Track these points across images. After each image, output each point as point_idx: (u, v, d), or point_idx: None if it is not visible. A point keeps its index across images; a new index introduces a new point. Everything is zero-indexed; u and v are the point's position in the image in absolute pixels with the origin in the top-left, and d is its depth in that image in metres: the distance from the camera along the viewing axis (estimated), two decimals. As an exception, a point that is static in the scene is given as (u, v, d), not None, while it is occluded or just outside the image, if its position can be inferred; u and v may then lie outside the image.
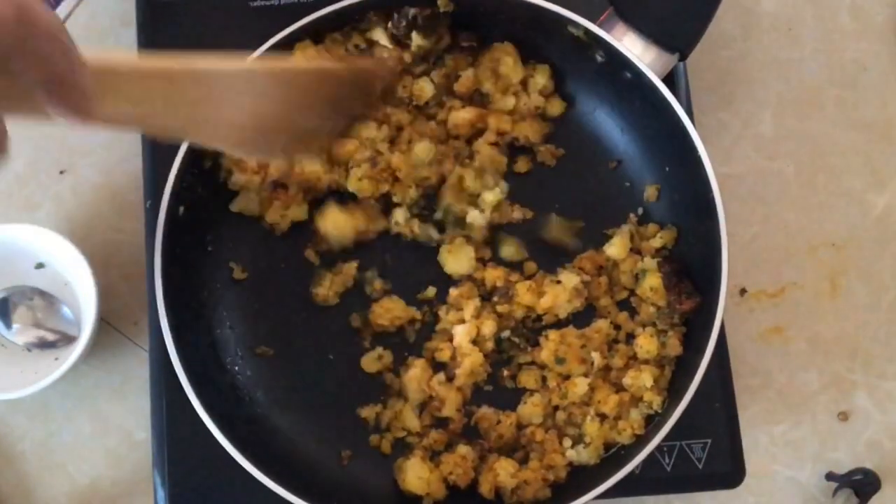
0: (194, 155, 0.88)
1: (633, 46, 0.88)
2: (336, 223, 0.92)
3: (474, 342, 0.90)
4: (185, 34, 0.98)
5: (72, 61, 0.61)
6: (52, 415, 0.97)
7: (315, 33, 0.92)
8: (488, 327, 0.91)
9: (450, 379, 0.90)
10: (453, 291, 0.92)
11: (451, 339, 0.91)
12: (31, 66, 0.59)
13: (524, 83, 0.95)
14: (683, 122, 0.86)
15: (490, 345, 0.91)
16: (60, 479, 0.96)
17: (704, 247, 0.86)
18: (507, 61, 0.94)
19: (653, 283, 0.90)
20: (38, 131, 1.02)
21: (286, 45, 0.88)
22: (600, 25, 0.88)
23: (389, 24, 0.92)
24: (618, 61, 0.88)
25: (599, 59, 0.90)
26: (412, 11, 0.91)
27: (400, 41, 0.93)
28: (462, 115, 0.94)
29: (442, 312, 0.93)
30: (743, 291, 1.01)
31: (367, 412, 0.91)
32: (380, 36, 0.94)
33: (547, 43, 0.93)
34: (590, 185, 0.96)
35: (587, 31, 0.87)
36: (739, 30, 1.07)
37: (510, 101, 0.94)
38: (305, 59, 0.87)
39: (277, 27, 0.87)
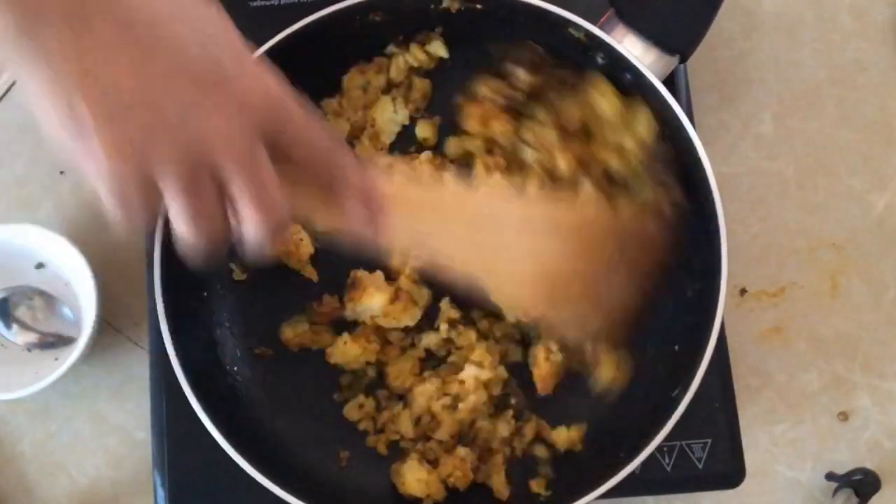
0: None
1: (633, 48, 0.88)
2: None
3: (484, 385, 0.91)
4: None
5: (340, 157, 0.66)
6: (52, 415, 0.97)
7: (363, 49, 0.94)
8: (499, 373, 0.91)
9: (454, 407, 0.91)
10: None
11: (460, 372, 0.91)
12: (300, 154, 0.64)
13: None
14: (683, 122, 0.86)
15: (498, 389, 0.92)
16: (60, 479, 0.96)
17: (704, 247, 0.86)
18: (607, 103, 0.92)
19: None
20: (38, 131, 1.02)
21: (286, 46, 0.88)
22: (601, 27, 0.88)
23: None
24: (618, 63, 0.88)
25: (600, 60, 0.90)
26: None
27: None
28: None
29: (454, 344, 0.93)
30: (743, 291, 1.01)
31: (354, 412, 0.91)
32: (438, 48, 0.95)
33: (546, 44, 0.93)
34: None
35: (587, 33, 0.87)
36: (739, 30, 1.07)
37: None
38: (585, 207, 0.86)
39: (277, 27, 0.87)
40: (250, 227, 0.61)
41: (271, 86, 0.63)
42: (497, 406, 0.92)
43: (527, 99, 0.93)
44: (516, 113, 0.93)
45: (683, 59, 0.89)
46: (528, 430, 0.91)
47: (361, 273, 0.91)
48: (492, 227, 0.77)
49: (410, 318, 0.91)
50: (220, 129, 0.59)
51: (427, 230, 0.75)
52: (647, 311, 0.87)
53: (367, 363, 0.92)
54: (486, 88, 0.93)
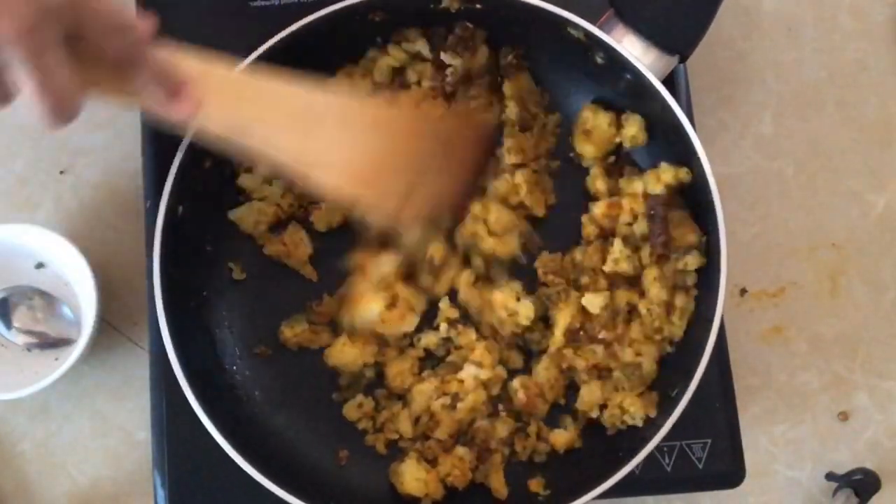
0: (194, 155, 0.88)
1: (633, 48, 0.88)
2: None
3: (483, 385, 0.91)
4: (185, 34, 0.95)
5: (133, 38, 0.67)
6: (52, 415, 0.97)
7: (353, 52, 0.95)
8: (498, 373, 0.92)
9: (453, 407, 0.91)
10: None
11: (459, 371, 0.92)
12: (99, 46, 0.66)
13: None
14: (683, 122, 0.86)
15: (497, 389, 0.92)
16: (60, 479, 0.96)
17: (704, 247, 0.86)
18: (601, 121, 0.94)
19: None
20: (38, 131, 1.03)
21: (290, 47, 0.88)
22: (600, 27, 0.88)
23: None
24: (618, 63, 0.88)
25: (599, 60, 0.90)
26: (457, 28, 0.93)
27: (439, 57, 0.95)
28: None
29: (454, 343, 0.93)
30: (743, 291, 1.01)
31: (353, 412, 0.92)
32: (422, 47, 0.95)
33: (545, 44, 0.93)
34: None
35: (587, 33, 0.87)
36: (739, 30, 1.07)
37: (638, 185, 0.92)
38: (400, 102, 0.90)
39: (277, 27, 0.87)
40: (35, 107, 0.64)
41: None
42: (496, 406, 0.92)
43: (461, 83, 0.95)
44: (451, 97, 0.96)
45: (683, 59, 0.89)
46: (528, 430, 0.91)
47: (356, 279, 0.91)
48: (312, 119, 0.79)
49: (408, 325, 0.92)
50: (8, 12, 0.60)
51: (245, 116, 0.77)
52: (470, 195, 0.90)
53: (365, 364, 0.92)
54: (414, 74, 0.95)
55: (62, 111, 0.64)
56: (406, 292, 0.91)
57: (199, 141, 0.79)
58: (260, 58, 0.87)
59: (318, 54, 0.90)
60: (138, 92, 0.71)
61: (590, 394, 0.89)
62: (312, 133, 0.79)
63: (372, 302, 0.90)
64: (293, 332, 0.92)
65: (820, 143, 1.05)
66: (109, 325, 0.99)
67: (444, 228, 0.91)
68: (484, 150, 0.92)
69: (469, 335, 0.92)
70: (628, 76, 0.89)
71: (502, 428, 0.90)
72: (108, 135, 1.03)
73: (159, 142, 0.94)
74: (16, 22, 0.60)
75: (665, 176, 0.88)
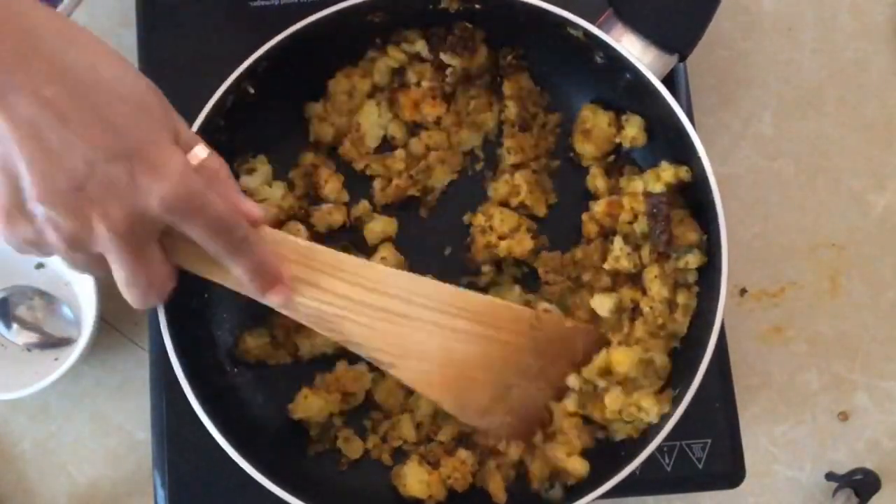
0: None
1: (632, 47, 0.87)
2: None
3: None
4: (185, 34, 0.98)
5: (237, 237, 0.68)
6: (52, 415, 0.98)
7: (352, 53, 0.94)
8: None
9: None
10: None
11: None
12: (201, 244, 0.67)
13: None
14: (683, 122, 0.85)
15: None
16: (60, 480, 0.97)
17: (704, 247, 0.86)
18: (600, 121, 0.94)
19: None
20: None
21: (290, 47, 0.88)
22: (599, 26, 0.87)
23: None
24: (617, 62, 0.88)
25: (599, 60, 0.90)
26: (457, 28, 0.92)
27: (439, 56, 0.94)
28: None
29: None
30: (743, 291, 1.01)
31: (355, 450, 0.91)
32: (421, 48, 0.94)
33: (545, 43, 0.93)
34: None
35: (586, 32, 0.87)
36: (739, 30, 1.07)
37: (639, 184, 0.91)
38: (506, 305, 0.87)
39: (277, 27, 0.87)
40: (125, 292, 0.66)
41: (185, 182, 0.64)
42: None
43: (461, 83, 0.95)
44: (450, 97, 0.96)
45: (682, 59, 0.89)
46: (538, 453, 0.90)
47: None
48: (405, 313, 0.79)
49: None
50: (113, 214, 0.62)
51: (335, 312, 0.77)
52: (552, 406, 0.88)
53: (332, 414, 0.90)
54: (414, 75, 0.95)
55: (152, 296, 0.66)
56: None
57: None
58: (260, 58, 0.86)
59: (318, 55, 0.91)
60: (232, 278, 0.72)
61: (613, 401, 0.87)
62: (401, 330, 0.79)
63: None
64: (255, 343, 0.91)
65: (820, 142, 1.05)
66: (109, 325, 0.99)
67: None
68: (588, 356, 0.88)
69: None
70: (628, 75, 0.88)
71: (514, 451, 0.89)
72: None
73: None
74: (113, 224, 0.62)
75: (665, 175, 0.88)
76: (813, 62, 1.07)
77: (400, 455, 0.91)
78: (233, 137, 0.90)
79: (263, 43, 0.87)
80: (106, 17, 1.06)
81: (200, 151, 0.68)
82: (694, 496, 0.97)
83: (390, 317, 0.79)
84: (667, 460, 0.90)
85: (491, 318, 0.83)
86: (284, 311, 0.76)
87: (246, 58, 0.86)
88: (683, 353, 0.88)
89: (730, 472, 0.90)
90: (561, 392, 0.87)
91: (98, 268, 0.66)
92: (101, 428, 0.98)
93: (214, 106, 0.86)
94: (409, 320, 0.79)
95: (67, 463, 0.97)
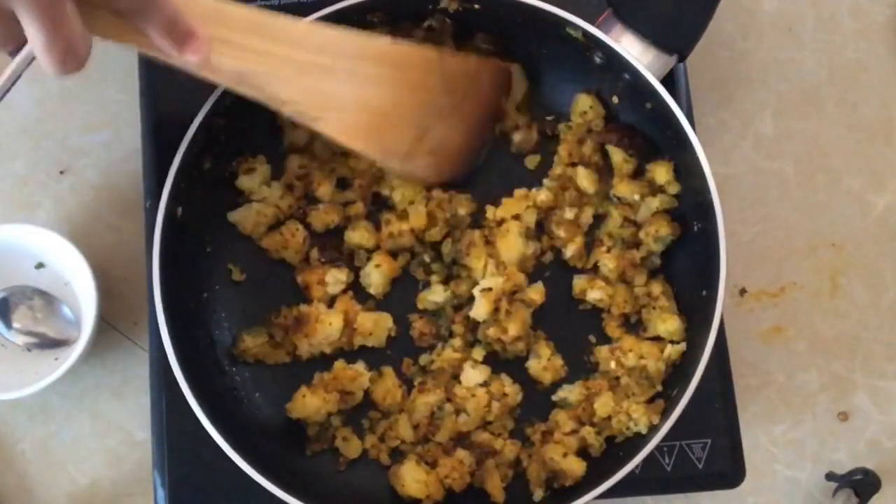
0: (194, 156, 0.88)
1: (631, 48, 0.88)
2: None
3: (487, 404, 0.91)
4: None
5: None
6: (52, 415, 0.98)
7: None
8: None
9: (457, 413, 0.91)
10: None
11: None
12: None
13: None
14: (682, 123, 0.86)
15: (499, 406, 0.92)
16: (60, 480, 0.97)
17: (704, 247, 0.86)
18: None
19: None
20: (38, 131, 1.03)
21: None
22: (598, 27, 0.88)
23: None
24: (616, 62, 0.88)
25: (598, 60, 0.90)
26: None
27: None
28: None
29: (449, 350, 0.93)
30: (743, 291, 1.01)
31: (353, 450, 0.91)
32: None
33: (545, 44, 0.93)
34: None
35: (585, 33, 0.87)
36: (739, 30, 1.07)
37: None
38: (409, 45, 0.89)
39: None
40: (44, 58, 0.64)
41: None
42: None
43: None
44: None
45: (682, 59, 0.90)
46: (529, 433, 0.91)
47: (304, 308, 0.92)
48: (321, 66, 0.80)
49: (376, 340, 0.92)
50: None
51: (253, 63, 0.77)
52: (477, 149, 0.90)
53: (330, 413, 0.91)
54: None
55: (70, 61, 0.65)
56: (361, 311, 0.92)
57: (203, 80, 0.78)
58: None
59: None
60: (146, 40, 0.71)
61: (603, 406, 0.88)
62: (320, 82, 0.80)
63: (328, 322, 0.91)
64: (254, 342, 0.91)
65: (820, 142, 1.05)
66: (109, 325, 0.99)
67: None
68: (497, 93, 0.92)
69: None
70: (627, 76, 0.89)
71: (509, 451, 0.90)
72: (107, 135, 1.03)
73: (159, 142, 0.94)
74: None
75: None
76: (813, 62, 1.07)
77: (398, 455, 0.91)
78: (232, 137, 0.91)
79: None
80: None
81: None
82: (694, 496, 0.97)
83: (309, 68, 0.80)
84: (666, 460, 0.90)
85: (400, 60, 0.85)
86: (206, 73, 0.76)
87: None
88: (683, 353, 0.88)
89: (730, 471, 0.90)
90: (472, 129, 0.91)
91: (12, 40, 0.65)
92: (100, 428, 0.98)
93: (213, 105, 0.87)
94: (327, 71, 0.80)
95: (67, 463, 0.97)
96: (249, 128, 0.92)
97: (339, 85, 0.81)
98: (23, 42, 0.65)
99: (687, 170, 0.89)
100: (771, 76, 1.06)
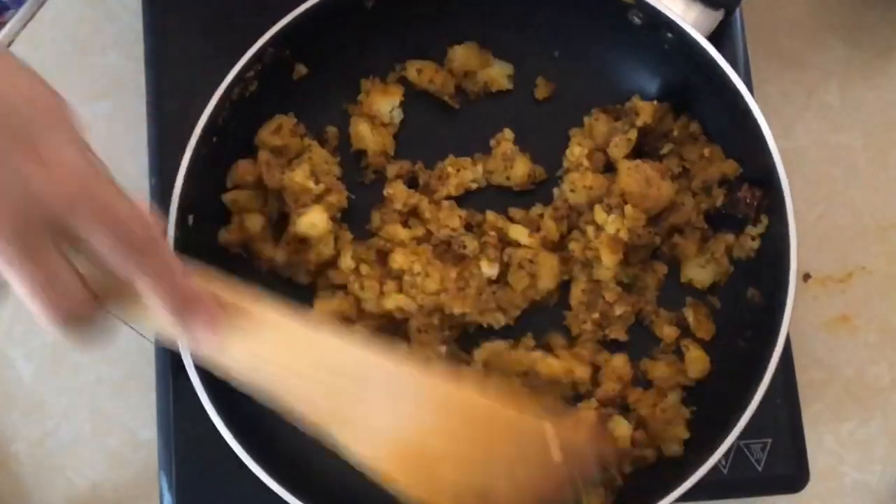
0: (199, 158, 0.87)
1: (673, 4, 0.86)
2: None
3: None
4: (192, 13, 0.98)
5: (150, 251, 0.63)
6: (49, 412, 0.97)
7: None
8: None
9: None
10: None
11: None
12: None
13: None
14: (739, 89, 0.85)
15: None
16: (58, 483, 0.96)
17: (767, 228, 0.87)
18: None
19: None
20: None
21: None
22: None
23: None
24: (656, 21, 0.87)
25: (637, 20, 0.89)
26: None
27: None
28: None
29: None
30: (807, 277, 0.99)
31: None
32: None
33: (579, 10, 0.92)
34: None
35: None
36: (802, -10, 1.06)
37: None
38: (485, 390, 0.80)
39: (288, 6, 0.87)
40: (37, 314, 0.61)
41: (78, 172, 0.61)
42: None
43: None
44: None
45: (729, 13, 0.89)
46: None
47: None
48: (353, 378, 0.73)
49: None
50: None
51: (268, 357, 0.72)
52: None
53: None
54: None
55: (65, 318, 0.61)
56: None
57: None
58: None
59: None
60: (147, 313, 0.66)
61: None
62: (349, 391, 0.73)
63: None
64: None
65: (891, 114, 1.03)
66: (112, 315, 0.96)
67: None
68: (577, 467, 0.80)
69: None
70: (669, 35, 0.87)
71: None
72: (109, 105, 1.02)
73: (166, 115, 0.94)
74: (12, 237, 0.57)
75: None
76: (884, 24, 1.05)
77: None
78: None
79: (276, 22, 0.87)
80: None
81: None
82: (752, 501, 0.95)
83: (335, 393, 0.73)
84: (724, 462, 0.89)
85: (465, 411, 0.76)
86: (212, 362, 0.71)
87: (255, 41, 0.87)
88: (750, 347, 0.87)
89: (792, 474, 0.90)
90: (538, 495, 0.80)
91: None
92: (102, 427, 0.97)
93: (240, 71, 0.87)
94: (357, 400, 0.73)
95: (66, 465, 0.96)
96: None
97: (376, 416, 0.73)
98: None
99: (745, 141, 0.87)
100: (837, 39, 1.04)
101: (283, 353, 0.71)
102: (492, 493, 0.76)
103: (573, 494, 0.82)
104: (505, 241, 0.91)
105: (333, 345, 0.74)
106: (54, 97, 0.63)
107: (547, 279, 0.90)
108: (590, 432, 0.86)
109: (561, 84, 0.96)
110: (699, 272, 0.92)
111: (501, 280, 0.91)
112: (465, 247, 0.90)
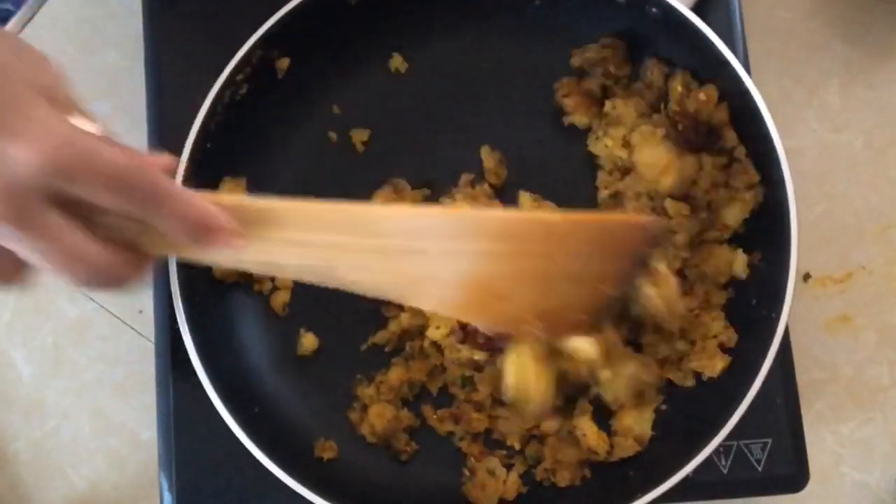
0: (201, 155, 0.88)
1: None
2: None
3: None
4: (192, 13, 0.98)
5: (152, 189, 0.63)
6: (49, 412, 0.98)
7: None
8: None
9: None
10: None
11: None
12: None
13: None
14: (740, 74, 0.85)
15: None
16: (58, 483, 0.97)
17: (769, 225, 0.88)
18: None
19: None
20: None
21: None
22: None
23: None
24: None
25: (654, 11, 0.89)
26: None
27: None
28: None
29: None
30: (807, 277, 1.00)
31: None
32: None
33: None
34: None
35: None
36: (801, -11, 1.06)
37: None
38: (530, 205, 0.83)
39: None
40: (58, 276, 0.61)
41: (55, 136, 0.60)
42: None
43: None
44: None
45: None
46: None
47: None
48: (407, 234, 0.73)
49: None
50: None
51: (310, 240, 0.70)
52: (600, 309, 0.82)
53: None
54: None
55: (92, 276, 0.62)
56: None
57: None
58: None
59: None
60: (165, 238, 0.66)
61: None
62: (414, 267, 0.73)
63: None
64: None
65: (890, 113, 1.03)
66: (111, 314, 0.99)
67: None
68: (636, 258, 0.82)
69: None
70: (654, 10, 0.88)
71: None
72: (108, 105, 1.02)
73: (166, 115, 0.94)
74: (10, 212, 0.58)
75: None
76: (884, 24, 1.05)
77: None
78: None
79: (280, 7, 0.88)
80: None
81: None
82: (752, 501, 0.96)
83: (391, 255, 0.72)
84: (723, 462, 0.89)
85: (512, 233, 0.76)
86: (249, 265, 0.71)
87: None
88: (745, 345, 0.88)
89: (792, 474, 0.90)
90: (596, 292, 0.81)
91: (15, 272, 0.62)
92: (101, 426, 0.98)
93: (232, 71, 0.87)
94: (415, 254, 0.73)
95: (65, 465, 0.97)
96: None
97: (439, 267, 0.73)
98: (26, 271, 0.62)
99: (748, 134, 0.89)
100: (838, 39, 1.05)
101: (325, 234, 0.70)
102: (548, 299, 0.78)
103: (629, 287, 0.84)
104: None
105: (376, 211, 0.75)
106: (34, 55, 0.63)
107: None
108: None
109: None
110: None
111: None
112: None
